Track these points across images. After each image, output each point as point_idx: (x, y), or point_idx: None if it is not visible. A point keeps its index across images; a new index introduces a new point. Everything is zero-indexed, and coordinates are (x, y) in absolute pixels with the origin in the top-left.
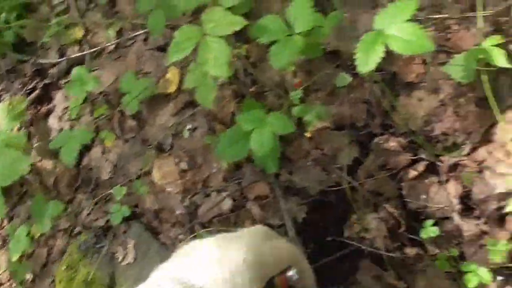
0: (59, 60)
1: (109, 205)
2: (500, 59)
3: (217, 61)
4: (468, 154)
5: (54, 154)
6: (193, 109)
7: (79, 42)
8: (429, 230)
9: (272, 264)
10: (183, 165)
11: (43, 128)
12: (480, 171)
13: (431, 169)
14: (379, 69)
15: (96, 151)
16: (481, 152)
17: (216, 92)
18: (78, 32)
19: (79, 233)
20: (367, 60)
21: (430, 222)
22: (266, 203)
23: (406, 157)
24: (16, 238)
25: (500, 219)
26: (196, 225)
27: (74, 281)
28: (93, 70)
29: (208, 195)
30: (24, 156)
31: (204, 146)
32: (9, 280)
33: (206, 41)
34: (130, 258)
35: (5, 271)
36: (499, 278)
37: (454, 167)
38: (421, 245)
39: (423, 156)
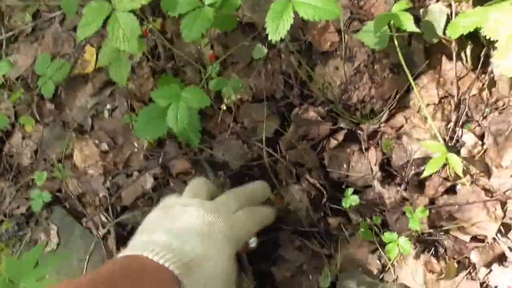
0: None
1: (31, 191)
2: (408, 24)
3: (126, 37)
4: (386, 121)
5: None
6: (112, 88)
7: None
8: (350, 199)
9: (243, 237)
10: (104, 146)
11: None
12: (399, 138)
13: (352, 137)
14: (294, 39)
15: (16, 137)
16: (399, 118)
17: (130, 69)
18: None
19: (1, 222)
20: (277, 28)
21: (350, 190)
22: (189, 180)
23: (326, 127)
24: None
25: (419, 185)
26: (119, 206)
27: None
28: (10, 54)
29: (130, 175)
30: None
31: (124, 125)
32: None
33: (115, 16)
34: (53, 244)
35: None
36: (419, 246)
37: (373, 134)
38: (345, 215)
39: (342, 125)
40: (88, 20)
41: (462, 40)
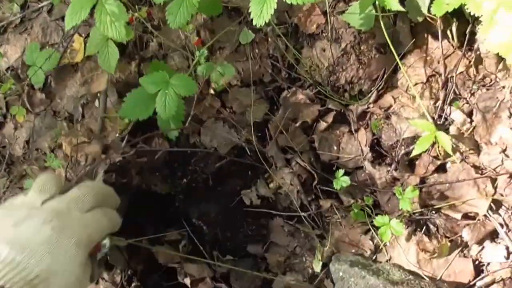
0: None
1: (25, 181)
2: (393, 3)
3: (114, 23)
4: (375, 101)
5: None
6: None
7: None
8: (341, 181)
9: (96, 239)
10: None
11: None
12: (388, 118)
13: (341, 119)
14: (280, 22)
15: (8, 128)
16: (387, 98)
17: (118, 57)
18: None
19: None
20: (261, 12)
21: (340, 172)
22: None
23: (315, 109)
24: None
25: (409, 164)
26: None
27: None
28: (0, 45)
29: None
30: None
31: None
32: None
33: (102, 3)
34: None
35: None
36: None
37: (363, 115)
38: (337, 197)
39: (331, 106)
40: (75, 8)
41: (447, 18)
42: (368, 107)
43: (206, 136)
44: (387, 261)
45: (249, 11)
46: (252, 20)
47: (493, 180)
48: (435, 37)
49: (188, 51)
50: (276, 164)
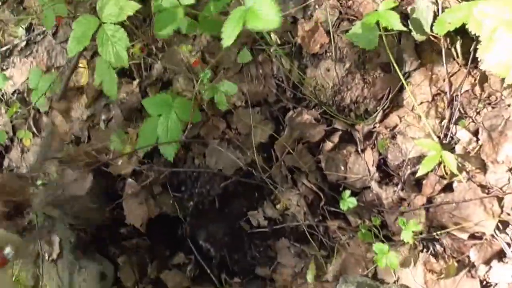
0: None
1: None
2: (395, 23)
3: (115, 48)
4: (381, 120)
5: None
6: (106, 99)
7: None
8: (348, 201)
9: None
10: (103, 158)
11: None
12: (394, 137)
13: (347, 139)
14: (284, 42)
15: (15, 151)
16: (393, 118)
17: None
18: None
19: None
20: (230, 34)
21: (347, 193)
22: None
23: (321, 129)
24: None
25: (416, 184)
26: None
27: None
28: (6, 69)
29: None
30: None
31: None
32: None
33: (104, 29)
34: (55, 254)
35: None
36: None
37: (369, 135)
38: (344, 217)
39: (337, 126)
40: (77, 35)
41: (452, 36)
42: (374, 127)
43: (211, 157)
44: (394, 282)
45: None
46: (254, 40)
47: (500, 199)
48: (440, 55)
49: (192, 73)
50: (283, 185)
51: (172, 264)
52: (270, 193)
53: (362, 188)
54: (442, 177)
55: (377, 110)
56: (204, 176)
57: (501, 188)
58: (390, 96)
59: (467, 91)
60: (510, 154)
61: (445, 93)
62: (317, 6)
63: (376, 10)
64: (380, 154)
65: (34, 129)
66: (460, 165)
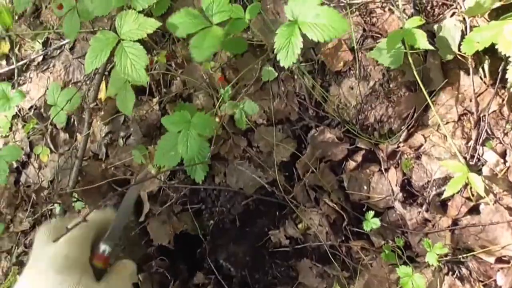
0: None
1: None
2: (421, 42)
3: (134, 67)
4: (405, 140)
5: None
6: (125, 116)
7: (6, 57)
8: (371, 222)
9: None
10: (120, 174)
11: None
12: (418, 157)
13: (371, 158)
14: (307, 59)
15: (32, 168)
16: (418, 137)
17: (135, 99)
18: (4, 47)
19: (23, 253)
20: (287, 54)
21: (370, 214)
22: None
23: (343, 148)
24: None
25: (441, 205)
26: None
27: None
28: (23, 84)
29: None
30: None
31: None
32: None
33: (122, 46)
34: None
35: None
36: (444, 268)
37: (393, 154)
38: (367, 237)
39: (360, 145)
40: (95, 51)
41: (479, 55)
42: (398, 146)
43: (232, 176)
44: None
45: (274, 51)
46: (275, 57)
47: None
48: (467, 74)
49: (212, 90)
50: (305, 204)
51: (192, 284)
52: (291, 212)
53: (386, 208)
54: (468, 198)
55: (401, 130)
56: (225, 195)
57: None
58: (415, 115)
59: (494, 111)
60: None
61: (472, 113)
62: None
63: (401, 28)
64: (404, 174)
65: (51, 145)
66: (487, 187)
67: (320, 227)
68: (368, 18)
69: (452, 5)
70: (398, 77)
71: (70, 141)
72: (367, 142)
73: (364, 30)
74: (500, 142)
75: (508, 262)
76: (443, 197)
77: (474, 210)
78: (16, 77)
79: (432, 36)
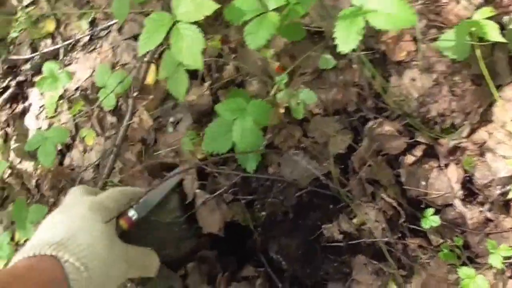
0: (32, 55)
1: None
2: (492, 33)
3: (190, 50)
4: (468, 136)
5: (34, 155)
6: (175, 101)
7: (52, 35)
8: (430, 220)
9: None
10: (169, 161)
11: (20, 128)
12: (481, 154)
13: (430, 153)
14: (367, 48)
15: (77, 150)
16: (481, 134)
17: (188, 84)
18: (50, 25)
19: None
20: (347, 39)
21: (430, 211)
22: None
23: (402, 142)
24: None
25: (505, 205)
26: None
27: None
28: (68, 64)
29: None
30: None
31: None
32: None
33: (178, 28)
34: None
35: None
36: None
37: (453, 150)
38: (424, 235)
39: (420, 139)
40: (149, 33)
41: None
42: (460, 142)
43: (286, 167)
44: None
45: (334, 36)
46: (334, 45)
47: None
48: None
49: (267, 77)
50: (360, 198)
51: (241, 276)
52: (346, 206)
53: (443, 206)
54: None
55: (464, 125)
56: (278, 186)
57: None
58: (480, 110)
59: None
60: None
61: None
62: None
63: (469, 18)
64: (465, 171)
65: (97, 128)
66: None
67: (376, 223)
68: (433, 7)
69: None
70: (464, 70)
71: (118, 125)
72: (428, 136)
73: (428, 19)
74: None
75: None
76: (508, 197)
77: None
78: (61, 57)
79: (500, 28)
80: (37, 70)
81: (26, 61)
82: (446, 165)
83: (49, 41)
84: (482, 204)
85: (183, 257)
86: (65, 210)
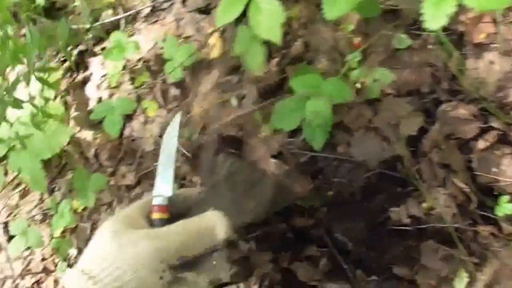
0: (93, 25)
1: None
2: None
3: (268, 24)
4: None
5: (94, 125)
6: (240, 76)
7: (113, 6)
8: (504, 207)
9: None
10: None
11: (81, 98)
12: None
13: (503, 139)
14: (444, 28)
15: (138, 121)
16: None
17: (264, 57)
18: None
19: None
20: (436, 14)
21: (505, 198)
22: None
23: (476, 126)
24: (60, 213)
25: None
26: None
27: None
28: (131, 35)
29: None
30: (63, 127)
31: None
32: (51, 256)
33: (256, 2)
34: None
35: (47, 246)
36: None
37: None
38: (495, 223)
39: (494, 125)
40: (226, 5)
41: None
42: None
43: (356, 147)
44: None
45: (421, 12)
46: (410, 24)
47: None
48: None
49: (338, 54)
50: (430, 182)
51: (304, 256)
52: (414, 190)
53: None
54: None
55: None
56: (346, 166)
57: None
58: None
59: None
60: None
61: None
62: None
63: None
64: None
65: (160, 100)
66: None
67: (446, 208)
68: None
69: None
70: None
71: (181, 97)
72: (503, 122)
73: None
74: None
75: None
76: None
77: None
78: (123, 28)
79: None
80: (98, 40)
81: (87, 30)
82: None
83: (110, 11)
84: None
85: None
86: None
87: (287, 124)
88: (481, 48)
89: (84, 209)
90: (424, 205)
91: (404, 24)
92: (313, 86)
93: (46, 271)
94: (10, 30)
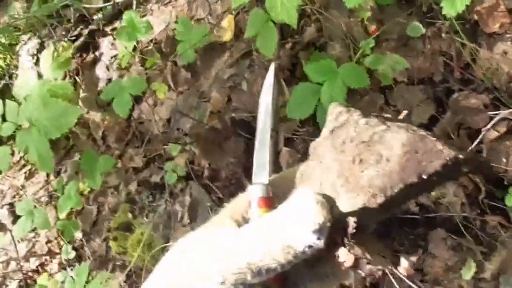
0: (105, 4)
1: (166, 163)
2: None
3: (285, 6)
4: None
5: (102, 106)
6: (251, 59)
7: None
8: None
9: None
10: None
11: (90, 78)
12: None
13: None
14: (458, 17)
15: (147, 104)
16: None
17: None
18: None
19: (136, 191)
20: (455, 1)
21: None
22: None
23: (487, 116)
24: (66, 195)
25: None
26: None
27: (128, 241)
28: (142, 16)
29: None
30: (72, 107)
31: None
32: (56, 238)
33: None
34: (186, 218)
35: (52, 228)
36: None
37: None
38: (503, 213)
39: (506, 115)
40: None
41: None
42: None
43: None
44: None
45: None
46: (425, 12)
47: None
48: None
49: (351, 40)
50: None
51: None
52: None
53: None
54: None
55: None
56: None
57: None
58: None
59: None
60: None
61: None
62: None
63: None
64: None
65: (170, 83)
66: None
67: (455, 197)
68: None
69: None
70: None
71: (191, 80)
72: None
73: None
74: None
75: None
76: None
77: None
78: (134, 8)
79: None
80: (109, 20)
81: (98, 10)
82: None
83: None
84: None
85: None
86: None
87: (302, 112)
88: (495, 38)
89: (90, 192)
90: (433, 193)
91: (418, 12)
92: (328, 72)
93: (51, 253)
94: None
